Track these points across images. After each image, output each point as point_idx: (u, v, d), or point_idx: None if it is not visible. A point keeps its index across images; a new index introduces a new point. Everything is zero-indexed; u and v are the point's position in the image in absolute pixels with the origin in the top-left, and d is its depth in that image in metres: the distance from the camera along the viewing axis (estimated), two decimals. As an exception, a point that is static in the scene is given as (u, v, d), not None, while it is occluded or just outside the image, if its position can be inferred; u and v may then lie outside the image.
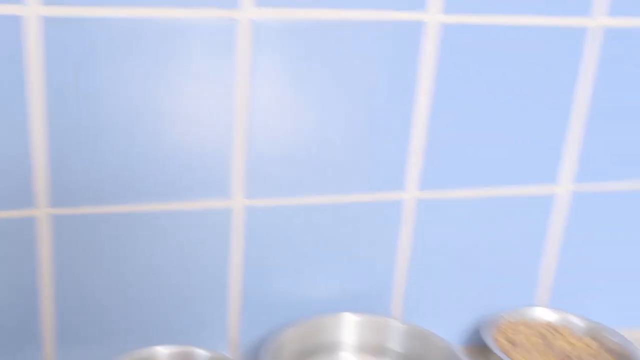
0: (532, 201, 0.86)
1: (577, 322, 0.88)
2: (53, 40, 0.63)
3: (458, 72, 0.77)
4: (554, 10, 0.77)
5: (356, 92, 0.74)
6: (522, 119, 0.81)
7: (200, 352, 0.73)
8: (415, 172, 0.80)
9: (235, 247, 0.77)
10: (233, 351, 0.80)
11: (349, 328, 0.81)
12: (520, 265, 0.89)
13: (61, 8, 0.62)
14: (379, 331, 0.81)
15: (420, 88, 0.76)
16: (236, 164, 0.73)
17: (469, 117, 0.79)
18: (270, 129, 0.73)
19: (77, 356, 0.73)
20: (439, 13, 0.74)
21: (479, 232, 0.85)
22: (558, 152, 0.84)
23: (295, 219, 0.77)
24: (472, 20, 0.75)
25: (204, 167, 0.72)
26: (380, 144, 0.77)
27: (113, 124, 0.67)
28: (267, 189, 0.75)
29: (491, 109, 0.80)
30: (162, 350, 0.73)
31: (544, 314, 0.89)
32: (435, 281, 0.86)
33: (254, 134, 0.73)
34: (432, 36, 0.75)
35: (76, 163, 0.67)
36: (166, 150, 0.70)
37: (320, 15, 0.70)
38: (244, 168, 0.74)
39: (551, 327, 0.87)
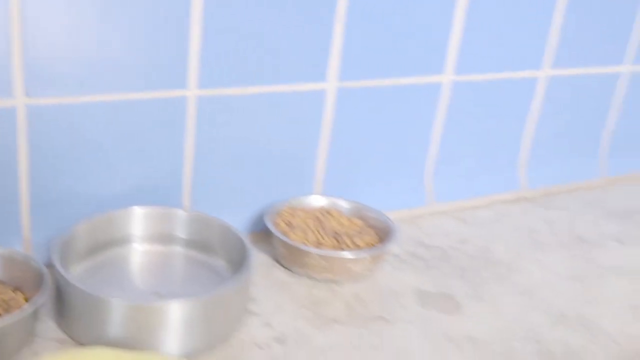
0: (305, 97, 0.95)
1: (345, 205, 1.00)
2: None
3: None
4: None
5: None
6: (271, 21, 0.89)
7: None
8: (194, 72, 0.86)
9: (21, 147, 0.79)
10: (26, 249, 0.83)
11: (138, 220, 0.87)
12: (299, 157, 0.99)
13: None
14: (165, 221, 0.87)
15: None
16: (15, 63, 0.75)
17: (243, 20, 0.86)
18: (48, 28, 0.75)
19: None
20: None
21: (259, 128, 0.93)
22: (326, 53, 0.94)
23: (82, 117, 0.81)
24: None
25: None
26: (160, 42, 0.82)
27: None
28: (50, 87, 0.77)
29: (260, 15, 0.87)
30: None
31: (318, 200, 1.00)
32: (220, 174, 0.93)
33: (31, 33, 0.74)
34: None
35: None
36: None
37: None
38: (23, 66, 0.75)
39: (324, 211, 0.99)
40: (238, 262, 0.82)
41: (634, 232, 1.10)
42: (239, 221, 0.96)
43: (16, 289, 0.74)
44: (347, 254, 0.87)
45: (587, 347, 0.80)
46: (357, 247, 0.91)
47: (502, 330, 0.82)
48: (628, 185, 1.30)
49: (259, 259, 0.93)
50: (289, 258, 0.90)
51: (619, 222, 1.13)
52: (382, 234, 0.95)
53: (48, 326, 0.75)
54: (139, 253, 0.87)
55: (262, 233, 0.98)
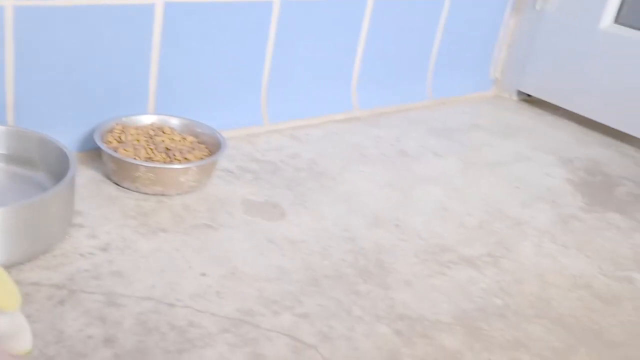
0: (133, 11, 0.95)
1: (177, 122, 1.02)
2: None
3: None
4: None
5: None
6: None
7: None
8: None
9: None
10: None
11: (-44, 136, 0.85)
12: (130, 75, 0.99)
13: None
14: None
15: None
16: None
17: None
18: None
19: None
20: None
21: (86, 43, 0.92)
22: (150, -33, 0.94)
23: None
24: None
25: None
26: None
27: None
28: None
29: None
30: None
31: (149, 118, 1.01)
32: (46, 91, 0.92)
33: None
34: None
35: None
36: None
37: None
38: None
39: (156, 128, 1.00)
40: (60, 174, 0.82)
41: (450, 147, 1.20)
42: (69, 140, 0.96)
43: None
44: (174, 166, 0.90)
45: (396, 244, 0.88)
46: (188, 161, 0.93)
47: (321, 232, 0.88)
48: (450, 106, 1.39)
49: (89, 176, 0.93)
50: (118, 173, 0.91)
51: (438, 139, 1.22)
52: (214, 149, 0.97)
53: None
54: (-43, 168, 0.85)
55: (93, 151, 0.98)
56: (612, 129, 1.32)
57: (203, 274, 0.77)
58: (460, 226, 0.95)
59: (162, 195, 0.91)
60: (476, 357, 0.70)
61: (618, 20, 1.32)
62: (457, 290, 0.81)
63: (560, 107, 1.40)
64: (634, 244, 0.96)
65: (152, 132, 0.99)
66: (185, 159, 0.94)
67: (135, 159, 0.91)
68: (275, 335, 0.69)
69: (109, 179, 0.93)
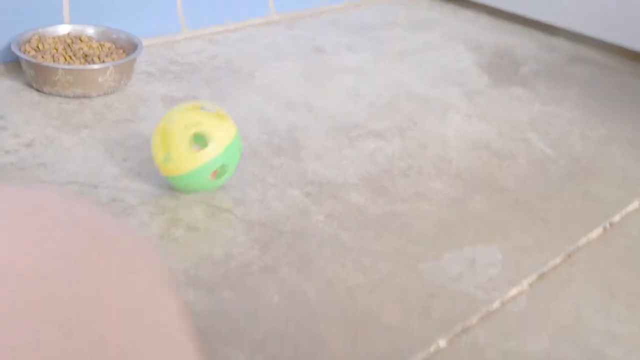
0: None
1: (94, 30, 1.04)
2: None
3: None
4: None
5: None
6: None
7: None
8: None
9: None
10: None
11: None
12: (38, -15, 1.00)
13: None
14: None
15: None
16: None
17: None
18: None
19: None
20: None
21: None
22: None
23: None
24: None
25: None
26: None
27: None
28: None
29: None
30: None
31: (67, 29, 1.04)
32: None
33: None
34: None
35: None
36: None
37: None
38: None
39: (73, 37, 1.02)
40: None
41: (364, 43, 1.24)
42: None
43: None
44: (91, 66, 0.93)
45: (309, 125, 0.93)
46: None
47: (237, 119, 0.92)
48: (366, 8, 1.44)
49: (9, 85, 0.96)
50: (38, 79, 0.94)
51: (353, 36, 1.27)
52: (132, 52, 1.01)
53: None
54: None
55: (12, 63, 1.00)
56: (521, 16, 1.38)
57: (125, 160, 0.81)
58: (370, 106, 1.00)
59: (84, 97, 0.95)
60: (380, 209, 0.77)
61: None
62: (365, 158, 0.87)
63: (472, 2, 1.45)
64: (532, 111, 1.03)
65: (69, 41, 1.02)
66: (104, 62, 0.97)
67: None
68: (193, 203, 0.75)
69: (30, 86, 0.96)
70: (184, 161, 0.71)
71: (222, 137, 0.71)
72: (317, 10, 1.38)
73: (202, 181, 0.72)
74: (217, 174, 0.73)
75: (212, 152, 0.71)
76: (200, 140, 0.71)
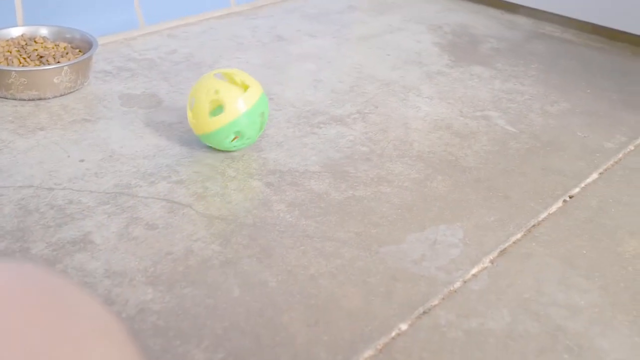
0: None
1: (48, 31, 1.03)
2: None
3: None
4: None
5: None
6: None
7: None
8: None
9: None
10: None
11: None
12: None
13: None
14: None
15: None
16: None
17: None
18: None
19: None
20: None
21: None
22: None
23: None
24: None
25: None
26: None
27: None
28: None
29: None
30: None
31: (20, 30, 1.02)
32: None
33: None
34: None
35: None
36: None
37: None
38: None
39: (27, 39, 1.01)
40: None
41: (325, 28, 1.24)
42: None
43: None
44: (45, 67, 0.91)
45: (270, 114, 0.93)
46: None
47: (197, 112, 0.92)
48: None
49: (-39, 89, 0.94)
50: (-8, 83, 0.93)
51: (313, 22, 1.26)
52: (88, 51, 0.99)
53: None
54: None
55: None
56: (481, -5, 1.39)
57: (82, 160, 0.80)
58: (331, 92, 1.00)
59: (39, 99, 0.93)
60: (341, 195, 0.77)
61: None
62: (327, 144, 0.86)
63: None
64: (492, 89, 1.03)
65: (23, 43, 1.00)
66: (59, 63, 0.95)
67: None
68: (151, 201, 0.74)
69: (-15, 91, 0.94)
70: (203, 123, 0.79)
71: (238, 105, 0.78)
72: (277, -2, 1.37)
73: (220, 143, 0.81)
74: (237, 138, 0.81)
75: (225, 119, 0.78)
76: (218, 107, 0.80)
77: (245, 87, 0.80)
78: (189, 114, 0.81)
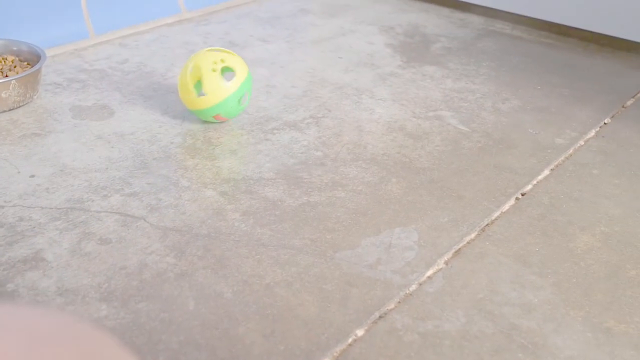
0: None
1: (-6, 43, 1.01)
2: None
3: None
4: None
5: None
6: None
7: None
8: None
9: None
10: None
11: None
12: None
13: None
14: None
15: None
16: None
17: None
18: None
19: None
20: None
21: None
22: None
23: None
24: None
25: None
26: None
27: None
28: None
29: None
30: None
31: (-35, 44, 1.00)
32: None
33: None
34: None
35: None
36: None
37: None
38: None
39: (-27, 52, 0.99)
40: None
41: (277, 33, 1.24)
42: None
43: None
44: (-10, 82, 0.90)
45: (224, 122, 0.92)
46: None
47: (150, 123, 0.91)
48: (281, -4, 1.43)
49: None
50: (-63, 100, 0.90)
51: (266, 27, 1.26)
52: (36, 64, 0.98)
53: None
54: None
55: None
56: (432, -6, 1.40)
57: (32, 176, 0.79)
58: (284, 97, 1.00)
59: (-13, 114, 0.92)
60: (296, 201, 0.77)
61: None
62: (280, 150, 0.86)
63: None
64: (445, 88, 1.04)
65: (-31, 57, 0.98)
66: (7, 77, 0.94)
67: (-48, 83, 0.90)
68: (104, 215, 0.73)
69: None
70: (217, 92, 0.86)
71: (242, 68, 0.88)
72: (230, 3, 1.36)
73: (233, 107, 0.88)
74: (221, 118, 0.89)
75: (238, 81, 0.87)
76: (227, 73, 0.88)
77: (234, 54, 0.88)
78: (192, 93, 0.87)
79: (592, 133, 0.93)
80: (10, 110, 0.93)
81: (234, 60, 0.87)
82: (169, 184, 0.79)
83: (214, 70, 0.85)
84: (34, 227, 0.71)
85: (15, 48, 1.01)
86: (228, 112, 0.89)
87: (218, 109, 0.87)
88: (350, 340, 0.58)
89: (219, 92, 0.86)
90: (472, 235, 0.72)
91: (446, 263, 0.68)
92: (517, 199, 0.79)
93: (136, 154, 0.84)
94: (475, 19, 1.33)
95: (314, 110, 0.97)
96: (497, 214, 0.76)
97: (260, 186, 0.79)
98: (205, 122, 0.92)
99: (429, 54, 1.16)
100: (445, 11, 1.37)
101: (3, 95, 0.91)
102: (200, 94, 0.88)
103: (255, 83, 1.04)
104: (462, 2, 1.36)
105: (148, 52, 1.13)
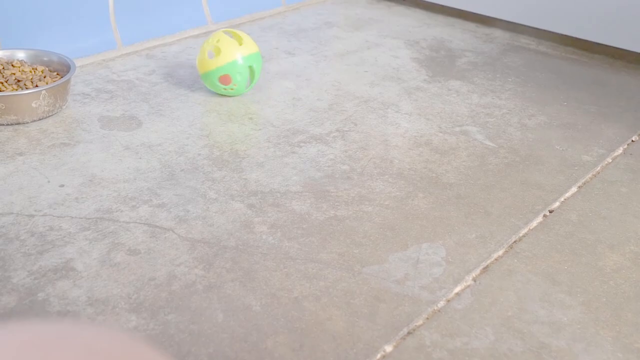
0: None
1: (25, 54, 1.02)
2: None
3: None
4: None
5: None
6: None
7: None
8: None
9: None
10: None
11: None
12: (-37, 12, 0.98)
13: None
14: None
15: None
16: None
17: None
18: None
19: None
20: None
21: None
22: None
23: None
24: None
25: None
26: None
27: None
28: None
29: None
30: None
31: (-3, 53, 1.01)
32: None
33: None
34: None
35: None
36: None
37: None
38: None
39: (4, 62, 1.00)
40: None
41: (302, 45, 1.24)
42: None
43: None
44: (22, 92, 0.91)
45: (250, 134, 0.93)
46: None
47: (177, 134, 0.92)
48: (304, 10, 1.44)
49: (-63, 114, 0.93)
50: (-31, 109, 0.92)
51: (291, 40, 1.27)
52: (66, 74, 0.99)
53: None
54: None
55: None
56: (455, 9, 1.40)
57: (62, 185, 0.80)
58: (310, 111, 1.00)
59: (18, 124, 0.93)
60: (323, 215, 0.77)
61: None
62: (307, 164, 0.87)
63: (409, -3, 1.46)
64: (470, 103, 1.04)
65: (0, 67, 0.99)
66: (37, 86, 0.95)
67: (-17, 92, 0.92)
68: (133, 225, 0.74)
69: (-38, 117, 0.94)
70: (201, 64, 1.00)
71: (230, 54, 0.98)
72: (255, 16, 1.37)
73: (212, 83, 1.00)
74: (226, 81, 0.99)
75: (217, 62, 0.98)
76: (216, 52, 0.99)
77: (240, 43, 0.99)
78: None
79: (620, 150, 0.93)
80: (40, 119, 0.94)
81: (226, 44, 0.98)
82: (196, 196, 0.79)
83: (205, 47, 0.99)
84: (64, 237, 0.71)
85: (45, 58, 1.02)
86: (212, 85, 1.01)
87: (203, 78, 1.01)
88: (378, 356, 0.58)
89: (201, 65, 1.00)
90: (500, 252, 0.72)
91: (474, 280, 0.68)
92: (544, 216, 0.78)
93: (164, 165, 0.85)
94: (500, 34, 1.33)
95: (340, 123, 0.97)
96: (524, 231, 0.75)
97: (287, 199, 0.79)
98: (233, 133, 0.92)
99: (454, 69, 1.16)
100: (471, 26, 1.37)
101: (33, 104, 0.92)
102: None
103: (281, 96, 1.04)
104: (487, 17, 1.36)
105: (175, 63, 1.14)
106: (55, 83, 0.94)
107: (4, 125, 0.92)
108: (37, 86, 0.95)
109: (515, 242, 0.74)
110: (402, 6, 1.46)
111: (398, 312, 0.63)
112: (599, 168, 0.88)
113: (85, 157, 0.86)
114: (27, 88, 0.94)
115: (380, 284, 0.66)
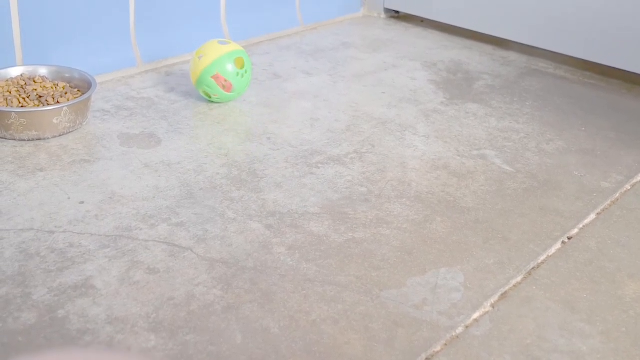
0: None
1: (47, 70, 1.03)
2: None
3: None
4: None
5: None
6: None
7: None
8: None
9: None
10: None
11: None
12: (-13, 28, 0.99)
13: None
14: None
15: None
16: None
17: None
18: None
19: None
20: None
21: None
22: None
23: None
24: None
25: None
26: None
27: None
28: None
29: None
30: None
31: (19, 70, 1.02)
32: None
33: None
34: None
35: None
36: None
37: None
38: None
39: (27, 78, 1.01)
40: None
41: (320, 66, 1.25)
42: None
43: None
44: (44, 108, 0.92)
45: (268, 154, 0.93)
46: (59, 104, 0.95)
47: (196, 152, 0.93)
48: (321, 30, 1.45)
49: (-40, 129, 0.94)
50: (-9, 124, 0.93)
51: (309, 60, 1.28)
52: (87, 91, 1.00)
53: None
54: None
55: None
56: (473, 32, 1.40)
57: (81, 202, 0.81)
58: (328, 131, 1.01)
59: (39, 139, 0.94)
60: (341, 237, 0.77)
61: None
62: (325, 185, 0.87)
63: (426, 19, 1.47)
64: (488, 127, 1.04)
65: (22, 83, 1.01)
66: (58, 103, 0.96)
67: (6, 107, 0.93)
68: (152, 244, 0.74)
69: (-17, 131, 0.95)
70: (193, 70, 1.05)
71: (212, 55, 1.04)
72: (274, 35, 1.38)
73: (208, 85, 1.04)
74: (219, 80, 1.03)
75: (203, 63, 1.03)
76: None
77: (223, 47, 1.04)
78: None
79: (639, 177, 0.92)
80: (60, 135, 0.95)
81: (208, 47, 1.05)
82: (215, 215, 0.79)
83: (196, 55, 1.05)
84: (84, 254, 0.72)
85: (67, 75, 1.03)
86: (208, 87, 1.05)
87: (197, 86, 1.06)
88: (397, 382, 0.58)
89: (192, 75, 1.06)
90: (519, 279, 0.72)
91: (493, 306, 0.68)
92: (563, 242, 0.78)
93: (183, 183, 0.85)
94: (518, 58, 1.33)
95: (358, 145, 0.97)
96: (543, 257, 0.75)
97: (305, 220, 0.79)
98: (251, 152, 0.93)
99: (472, 92, 1.16)
100: (488, 48, 1.37)
101: (54, 121, 0.93)
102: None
103: (299, 116, 1.05)
104: (504, 39, 1.36)
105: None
106: (77, 100, 0.95)
107: (25, 140, 0.93)
108: (58, 102, 0.96)
109: (533, 268, 0.74)
110: (420, 28, 1.47)
111: (416, 338, 0.63)
112: (617, 195, 0.88)
113: (105, 174, 0.86)
114: (48, 104, 0.95)
115: (399, 308, 0.66)
